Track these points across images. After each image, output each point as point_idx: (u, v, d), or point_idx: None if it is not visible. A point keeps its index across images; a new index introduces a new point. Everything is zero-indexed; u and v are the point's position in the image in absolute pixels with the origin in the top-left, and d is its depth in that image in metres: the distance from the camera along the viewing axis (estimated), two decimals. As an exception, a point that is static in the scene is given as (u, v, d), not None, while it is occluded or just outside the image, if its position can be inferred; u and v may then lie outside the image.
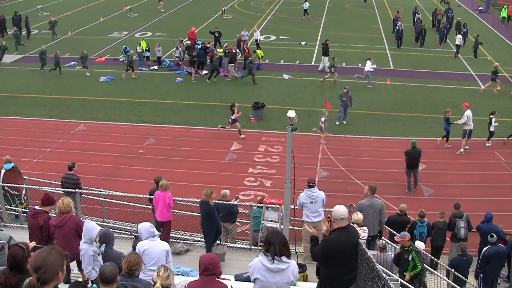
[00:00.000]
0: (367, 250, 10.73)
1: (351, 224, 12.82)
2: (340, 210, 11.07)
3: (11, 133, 35.89)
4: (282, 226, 17.31)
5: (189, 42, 52.06)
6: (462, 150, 33.24)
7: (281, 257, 9.92)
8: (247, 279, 12.63)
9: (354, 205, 19.73)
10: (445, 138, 34.15)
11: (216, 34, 53.63)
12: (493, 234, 20.09)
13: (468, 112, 32.96)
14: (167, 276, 9.25)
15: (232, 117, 34.52)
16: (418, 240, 20.69)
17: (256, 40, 54.59)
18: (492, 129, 33.90)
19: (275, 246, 9.91)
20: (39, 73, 48.06)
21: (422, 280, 18.49)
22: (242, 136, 34.83)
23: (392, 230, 20.99)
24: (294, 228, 19.08)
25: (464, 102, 36.69)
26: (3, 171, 23.11)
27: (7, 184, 22.73)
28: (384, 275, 8.91)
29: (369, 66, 44.23)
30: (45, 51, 47.87)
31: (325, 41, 48.51)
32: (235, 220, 20.88)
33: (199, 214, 18.90)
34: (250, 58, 46.15)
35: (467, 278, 19.84)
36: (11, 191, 22.97)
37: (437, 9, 67.36)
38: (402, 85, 45.38)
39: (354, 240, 11.21)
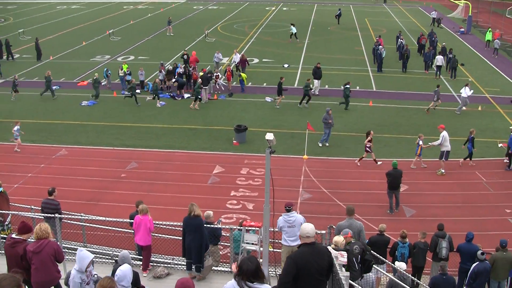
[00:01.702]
0: (339, 271, 10.71)
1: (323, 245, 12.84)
2: (306, 228, 11.07)
3: (-9, 158, 35.72)
4: (261, 249, 17.24)
5: (191, 68, 51.65)
6: (443, 170, 33.36)
7: (253, 283, 9.88)
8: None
9: (334, 226, 19.72)
10: (468, 159, 34.57)
11: (185, 57, 53.98)
12: (483, 252, 20.48)
13: (444, 134, 33.22)
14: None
15: (367, 145, 34.42)
16: (399, 261, 20.70)
17: (235, 62, 54.69)
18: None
19: (244, 274, 9.88)
20: (21, 98, 47.87)
21: None
22: (379, 163, 34.56)
23: (373, 252, 20.95)
24: (274, 250, 19.02)
25: (446, 122, 36.82)
26: (-9, 194, 22.91)
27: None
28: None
29: (466, 92, 43.88)
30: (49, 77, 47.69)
31: (317, 64, 48.61)
32: (217, 242, 20.83)
33: (180, 238, 18.83)
34: (347, 86, 44.95)
35: (448, 299, 19.83)
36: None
37: (422, 33, 67.51)
38: (384, 106, 45.57)
39: (322, 257, 11.11)
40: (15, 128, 36.13)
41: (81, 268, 12.81)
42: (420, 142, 33.70)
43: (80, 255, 12.89)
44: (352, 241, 17.88)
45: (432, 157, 34.37)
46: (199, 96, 45.19)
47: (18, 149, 36.62)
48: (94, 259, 13.52)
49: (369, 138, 34.11)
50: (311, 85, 45.46)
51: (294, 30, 71.77)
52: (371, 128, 37.42)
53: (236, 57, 55.01)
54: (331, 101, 45.24)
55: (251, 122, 40.73)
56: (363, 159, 34.39)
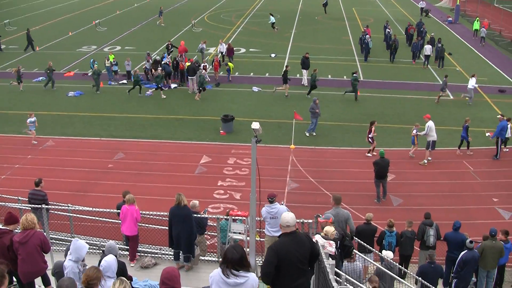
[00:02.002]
0: (324, 260, 10.69)
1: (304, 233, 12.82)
2: (286, 217, 11.02)
3: (-22, 150, 35.60)
4: (248, 238, 17.24)
5: (180, 57, 51.30)
6: (425, 160, 33.48)
7: (239, 272, 9.89)
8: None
9: (320, 215, 19.71)
10: (465, 148, 34.96)
11: (169, 47, 53.99)
12: (472, 240, 20.54)
13: (429, 124, 33.23)
14: (123, 289, 9.18)
15: (370, 135, 34.43)
16: (387, 250, 20.75)
17: (222, 53, 54.62)
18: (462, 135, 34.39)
19: (229, 262, 9.89)
20: (6, 89, 47.70)
21: None
22: (368, 154, 34.61)
23: (360, 241, 21.00)
24: (261, 239, 19.05)
25: (434, 112, 36.91)
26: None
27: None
28: (334, 284, 8.88)
29: (472, 83, 43.95)
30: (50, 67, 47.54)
31: (305, 54, 48.52)
32: (203, 232, 20.80)
33: (167, 228, 18.82)
34: (355, 75, 44.89)
35: (435, 287, 19.87)
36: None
37: (410, 23, 67.39)
38: (372, 96, 45.61)
39: (302, 246, 11.05)
40: (30, 119, 35.85)
41: (78, 258, 12.78)
42: (414, 131, 33.72)
43: (76, 245, 12.85)
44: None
45: (420, 147, 34.36)
46: (203, 87, 45.06)
47: (35, 141, 36.37)
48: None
49: (373, 128, 34.11)
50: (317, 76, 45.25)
51: (272, 19, 71.80)
52: (357, 118, 37.54)
53: (222, 47, 54.89)
54: (320, 91, 45.19)
55: (238, 112, 40.70)
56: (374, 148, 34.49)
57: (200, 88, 44.87)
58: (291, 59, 56.41)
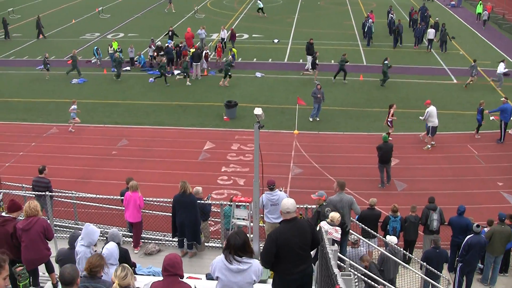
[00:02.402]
0: (327, 246, 10.67)
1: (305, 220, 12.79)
2: (287, 203, 10.99)
3: (-18, 138, 35.64)
4: (252, 224, 17.25)
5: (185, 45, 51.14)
6: (429, 145, 33.37)
7: (242, 258, 9.88)
8: (219, 278, 12.61)
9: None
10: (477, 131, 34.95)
11: (170, 33, 53.82)
12: (479, 224, 20.45)
13: (430, 109, 33.07)
14: (125, 276, 9.16)
15: (389, 119, 34.31)
16: (391, 235, 20.72)
17: (223, 39, 54.43)
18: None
19: (232, 248, 9.88)
20: (10, 77, 47.68)
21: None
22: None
23: (364, 226, 20.99)
24: (264, 225, 19.05)
25: (437, 96, 36.82)
26: (-19, 174, 22.90)
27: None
28: (335, 270, 8.85)
29: (502, 68, 43.80)
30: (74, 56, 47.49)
31: (310, 40, 48.30)
32: (207, 218, 20.80)
33: (171, 214, 18.81)
34: (386, 62, 44.61)
35: (440, 272, 19.85)
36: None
37: (413, 8, 67.03)
38: (375, 80, 45.43)
39: (303, 233, 11.03)
40: (72, 107, 35.84)
41: (90, 243, 12.82)
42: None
43: (88, 230, 12.87)
44: (324, 204, 17.94)
45: (422, 131, 34.26)
46: (229, 74, 44.76)
47: (72, 129, 36.26)
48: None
49: (391, 111, 34.01)
50: (346, 59, 45.07)
51: (260, 4, 71.70)
52: (360, 103, 37.53)
53: (223, 34, 54.72)
54: (323, 76, 45.14)
55: (242, 98, 40.62)
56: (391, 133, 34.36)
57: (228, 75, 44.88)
58: (294, 45, 56.37)
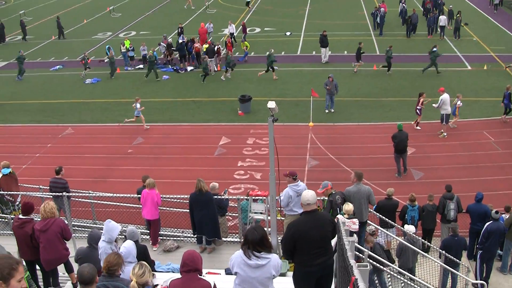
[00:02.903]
0: (343, 237, 10.64)
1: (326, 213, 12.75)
2: (307, 195, 10.95)
3: (-1, 140, 35.84)
4: (269, 218, 17.23)
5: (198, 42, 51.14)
6: (445, 133, 33.20)
7: (260, 253, 9.86)
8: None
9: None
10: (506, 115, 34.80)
11: (179, 30, 53.85)
12: (497, 210, 20.31)
13: (444, 96, 32.94)
14: (142, 274, 9.16)
15: (418, 107, 34.19)
16: (409, 224, 20.66)
17: (232, 34, 54.44)
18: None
19: (250, 244, 9.84)
20: (24, 79, 47.83)
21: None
22: (417, 127, 34.43)
23: (381, 216, 20.93)
24: (282, 219, 19.02)
25: (452, 83, 36.64)
26: (0, 175, 22.96)
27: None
28: (352, 261, 8.81)
29: None
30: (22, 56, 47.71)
31: (323, 32, 48.17)
32: (224, 213, 20.82)
33: (188, 210, 18.84)
34: (435, 50, 44.03)
35: (459, 260, 19.77)
36: (6, 197, 22.85)
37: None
38: (374, 69, 45.38)
39: (322, 226, 11.01)
40: (137, 105, 35.72)
41: (111, 239, 12.88)
42: (459, 102, 33.52)
43: (108, 226, 12.94)
44: (333, 192, 17.93)
45: (437, 119, 34.13)
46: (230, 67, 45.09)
47: (147, 126, 36.32)
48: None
49: (421, 100, 33.87)
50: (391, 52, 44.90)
51: None
52: (374, 92, 37.45)
53: (232, 28, 54.68)
54: (336, 67, 45.08)
55: (255, 92, 40.63)
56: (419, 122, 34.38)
57: (228, 68, 44.93)
58: (306, 37, 56.33)
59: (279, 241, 17.87)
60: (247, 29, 55.87)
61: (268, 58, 44.10)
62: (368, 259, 15.05)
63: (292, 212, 18.09)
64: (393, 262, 17.98)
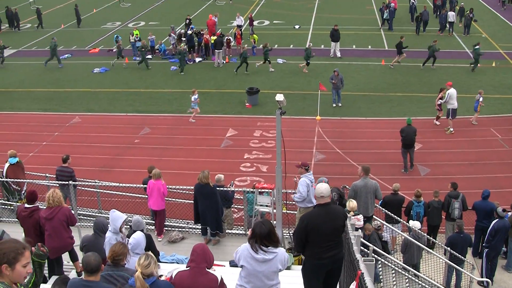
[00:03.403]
0: (349, 231, 10.64)
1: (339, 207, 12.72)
2: (320, 188, 10.91)
3: (7, 128, 35.92)
4: (275, 211, 17.25)
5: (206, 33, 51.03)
6: (451, 129, 33.10)
7: (268, 247, 9.85)
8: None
9: (347, 187, 19.66)
10: None
11: (187, 21, 53.82)
12: (504, 208, 20.36)
13: (450, 91, 32.84)
14: (148, 264, 9.16)
15: (438, 102, 34.03)
16: (415, 220, 20.65)
17: (240, 26, 54.39)
18: None
19: (257, 237, 9.82)
20: (33, 67, 47.95)
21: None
22: (436, 122, 34.41)
23: (387, 211, 20.93)
24: (287, 212, 19.00)
25: (460, 79, 36.54)
26: (7, 164, 23.03)
27: (6, 179, 22.76)
28: (357, 255, 8.83)
29: None
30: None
31: (334, 26, 48.00)
32: (230, 205, 20.82)
33: (192, 201, 18.87)
34: (477, 47, 43.51)
35: (464, 257, 19.76)
36: (13, 186, 22.93)
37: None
38: (396, 65, 45.10)
39: (335, 219, 10.96)
40: (194, 96, 35.42)
41: (115, 229, 12.87)
42: (481, 99, 33.45)
43: (113, 216, 12.93)
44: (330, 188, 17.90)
45: (444, 115, 34.08)
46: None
47: (193, 120, 35.86)
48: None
49: (440, 95, 33.82)
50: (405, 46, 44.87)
51: None
52: (382, 87, 37.42)
53: (240, 21, 54.63)
54: (344, 61, 45.03)
55: (263, 84, 40.63)
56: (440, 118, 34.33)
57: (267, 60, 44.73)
58: (315, 30, 56.22)
59: (288, 234, 17.94)
60: (255, 22, 55.78)
61: (305, 51, 44.01)
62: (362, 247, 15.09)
63: (309, 203, 17.97)
64: (388, 253, 17.92)
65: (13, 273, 6.58)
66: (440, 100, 33.36)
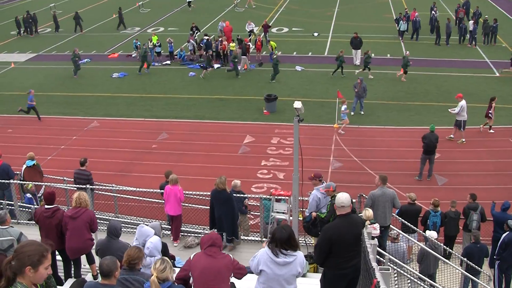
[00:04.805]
0: (366, 240, 10.62)
1: (358, 215, 12.66)
2: (341, 198, 10.94)
3: (25, 131, 36.18)
4: (291, 218, 17.23)
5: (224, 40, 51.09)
6: (463, 139, 32.91)
7: (287, 251, 9.87)
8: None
9: (364, 195, 19.60)
10: None
11: (194, 29, 54.20)
12: (514, 220, 20.06)
13: (462, 103, 32.59)
14: (163, 269, 9.22)
15: (490, 111, 33.91)
16: (431, 230, 20.55)
17: (251, 31, 54.69)
18: None
19: (277, 242, 9.86)
20: (52, 71, 48.19)
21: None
22: (484, 128, 34.51)
23: (404, 221, 20.84)
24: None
25: (478, 89, 36.40)
26: (24, 166, 23.17)
27: (21, 182, 22.89)
28: (373, 264, 8.81)
29: None
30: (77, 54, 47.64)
31: (354, 34, 48.00)
32: (246, 211, 20.83)
33: (208, 207, 18.89)
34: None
35: (481, 268, 19.65)
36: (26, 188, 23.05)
37: (460, 5, 64.11)
38: (415, 74, 44.96)
39: (356, 228, 11.03)
40: (343, 107, 34.52)
41: (142, 244, 12.86)
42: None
43: (141, 231, 12.87)
44: (336, 195, 17.76)
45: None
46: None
47: (342, 131, 34.73)
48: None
49: (493, 104, 33.71)
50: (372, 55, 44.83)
51: None
52: (401, 96, 37.36)
53: (251, 27, 54.92)
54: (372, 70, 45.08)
55: (281, 92, 40.59)
56: (487, 125, 34.31)
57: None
58: (334, 38, 56.23)
59: (304, 241, 17.87)
60: (274, 29, 55.81)
61: (402, 59, 44.04)
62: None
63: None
64: (384, 250, 17.79)
65: (36, 275, 6.64)
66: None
